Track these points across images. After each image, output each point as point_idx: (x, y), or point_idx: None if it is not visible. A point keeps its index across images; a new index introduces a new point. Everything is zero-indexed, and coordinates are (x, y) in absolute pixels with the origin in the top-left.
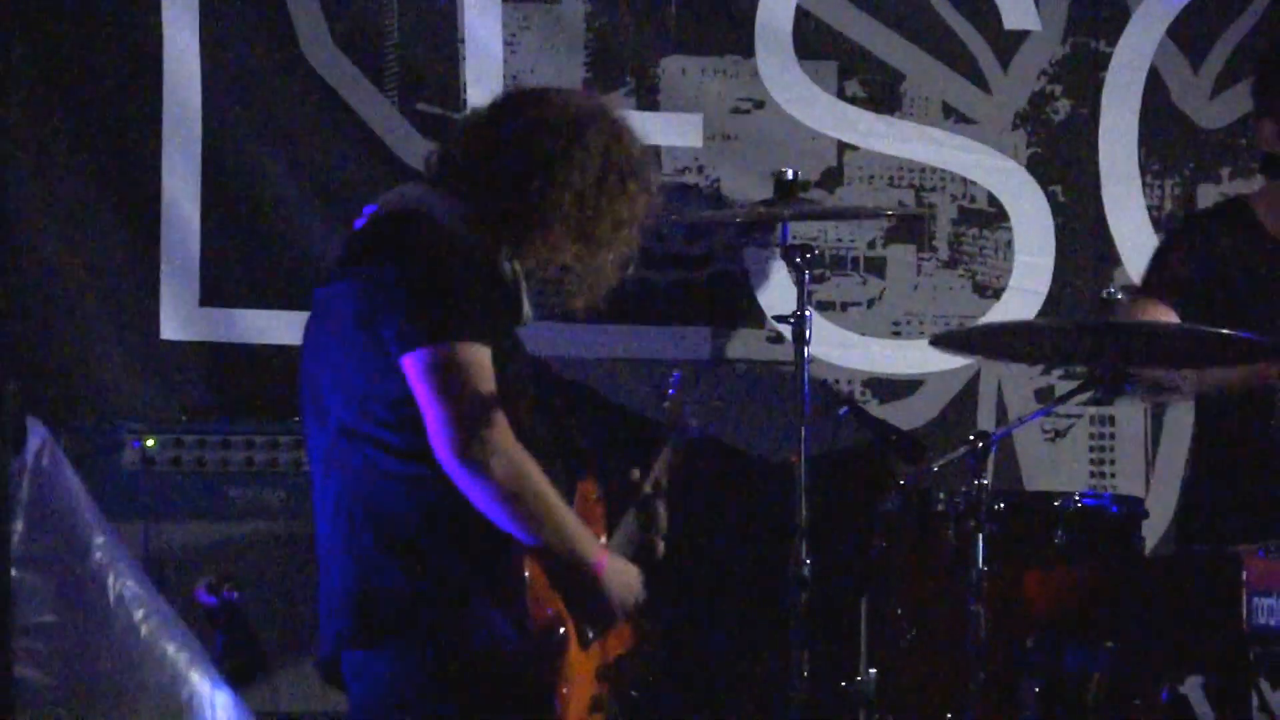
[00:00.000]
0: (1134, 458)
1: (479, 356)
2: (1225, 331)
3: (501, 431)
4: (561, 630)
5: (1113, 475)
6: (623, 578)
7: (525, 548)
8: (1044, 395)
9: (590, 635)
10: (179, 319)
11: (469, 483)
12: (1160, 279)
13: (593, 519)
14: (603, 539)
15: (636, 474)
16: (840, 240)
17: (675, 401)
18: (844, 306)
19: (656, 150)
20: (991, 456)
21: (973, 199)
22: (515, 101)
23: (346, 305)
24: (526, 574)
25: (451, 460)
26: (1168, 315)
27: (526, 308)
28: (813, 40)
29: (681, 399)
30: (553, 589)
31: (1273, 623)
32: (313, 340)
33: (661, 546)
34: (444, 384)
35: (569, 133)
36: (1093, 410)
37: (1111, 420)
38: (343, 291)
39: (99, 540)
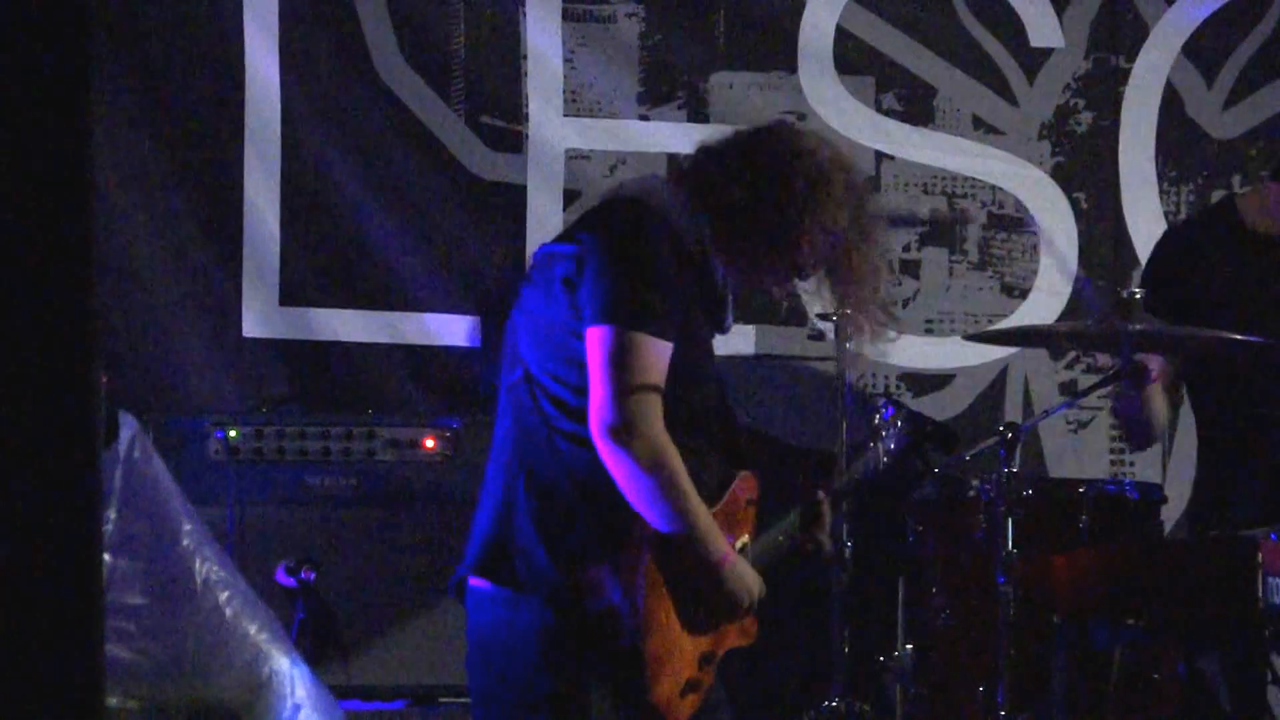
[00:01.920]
0: (1152, 447)
1: (655, 350)
2: (1235, 336)
3: (651, 420)
4: (670, 611)
5: (1131, 463)
6: (742, 578)
7: (652, 531)
8: (1068, 388)
9: (699, 622)
10: (259, 318)
11: (610, 458)
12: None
13: (740, 519)
14: (744, 539)
15: (821, 495)
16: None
17: (876, 430)
18: None
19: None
20: (1019, 446)
21: (1001, 205)
22: (777, 134)
23: (559, 266)
24: (646, 556)
25: (599, 434)
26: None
27: (729, 320)
28: (851, 57)
29: (886, 428)
30: (668, 575)
31: None
32: (524, 291)
33: (826, 542)
34: (613, 365)
35: (820, 179)
36: (1113, 402)
37: None
38: (560, 252)
39: (186, 526)
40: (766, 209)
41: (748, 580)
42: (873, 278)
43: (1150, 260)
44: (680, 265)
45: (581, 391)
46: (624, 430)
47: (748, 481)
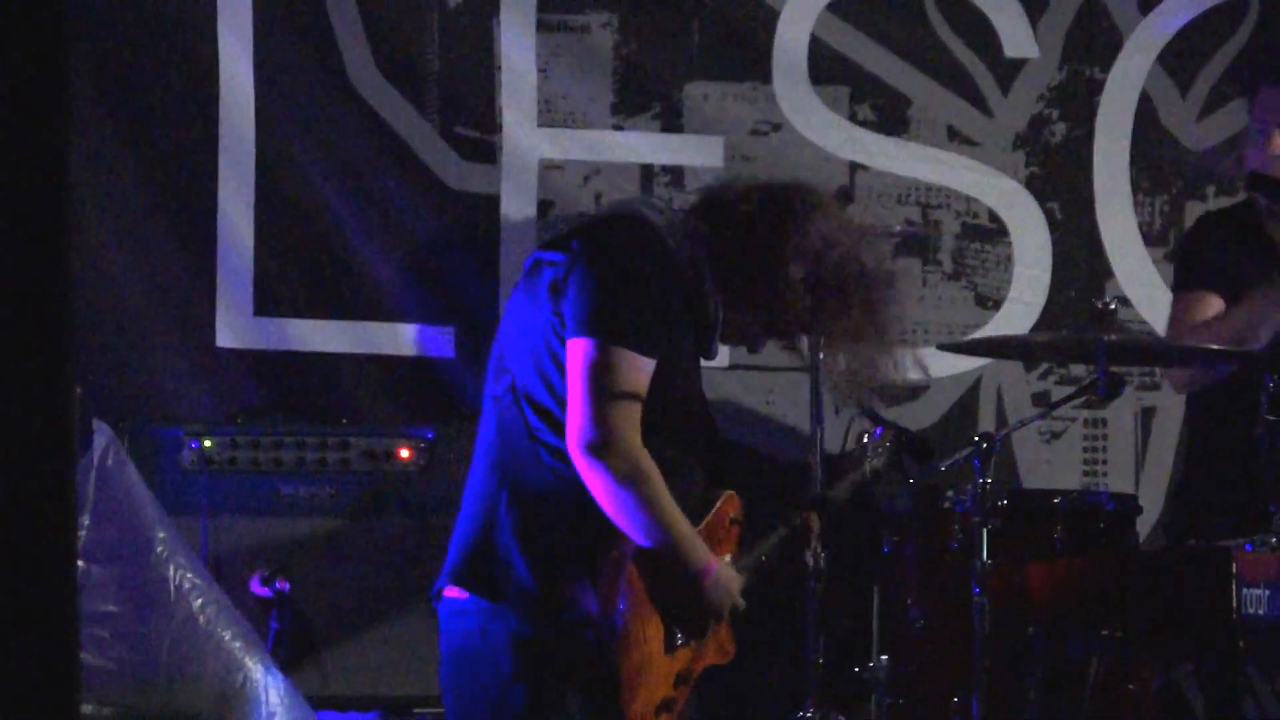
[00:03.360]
0: (1124, 458)
1: (636, 365)
2: (1213, 348)
3: (628, 436)
4: (648, 628)
5: (1105, 474)
6: (725, 589)
7: (632, 546)
8: (1040, 400)
9: (679, 639)
10: (234, 328)
11: (587, 473)
12: (1202, 272)
13: (723, 538)
14: (726, 558)
15: (811, 518)
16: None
17: (864, 450)
18: None
19: (677, 171)
20: (993, 457)
21: (975, 215)
22: (798, 202)
23: (547, 272)
24: (625, 570)
25: (575, 448)
26: (1213, 305)
27: (716, 347)
28: (826, 67)
29: (873, 449)
30: (649, 590)
31: (1261, 612)
32: (514, 299)
33: (812, 563)
34: (592, 378)
35: (826, 241)
36: (1086, 414)
37: (1104, 423)
38: (547, 259)
39: (160, 534)
40: (762, 266)
41: (731, 589)
42: (867, 351)
43: (1192, 240)
44: (671, 286)
45: (565, 401)
46: (600, 445)
47: (732, 501)
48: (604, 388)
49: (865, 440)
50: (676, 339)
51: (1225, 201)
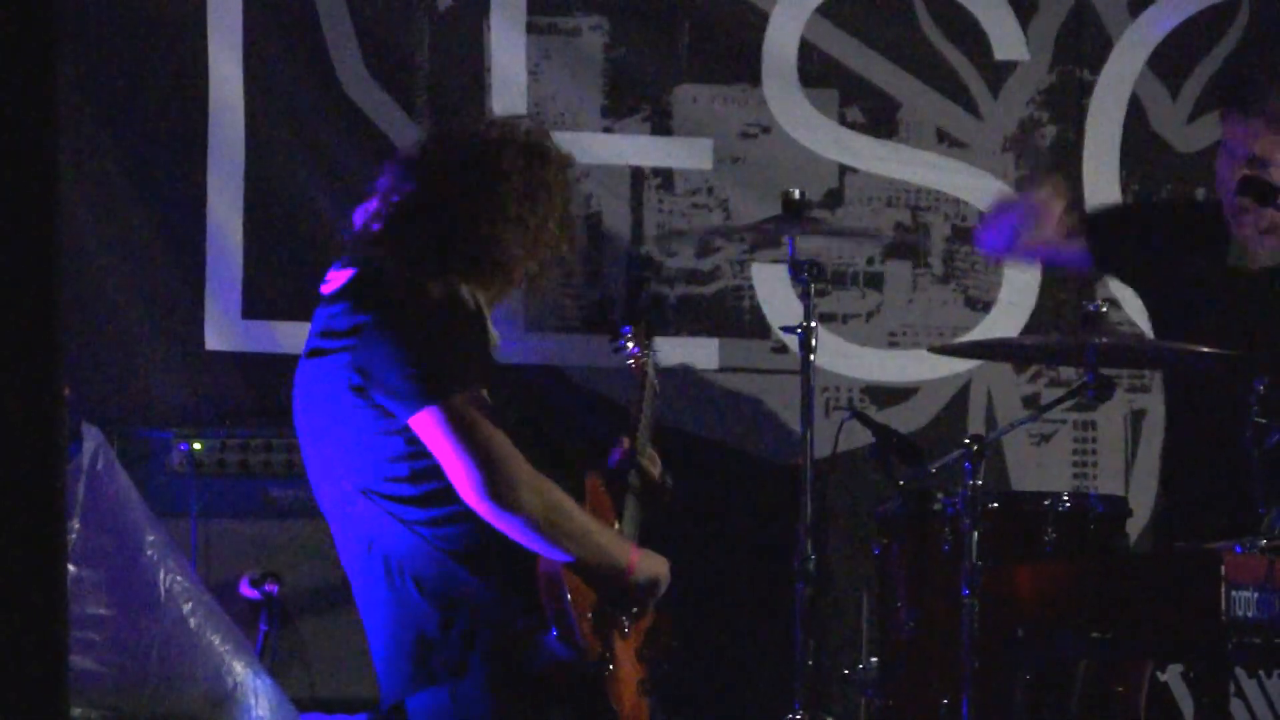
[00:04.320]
0: (1114, 460)
1: (480, 401)
2: (1202, 349)
3: (522, 466)
4: (604, 626)
5: (1094, 477)
6: (651, 567)
7: (559, 566)
8: (1030, 402)
9: (627, 625)
10: (222, 331)
11: (504, 522)
12: (1101, 212)
13: (605, 509)
14: (617, 525)
15: (626, 442)
16: (841, 257)
17: (637, 357)
18: (844, 319)
19: (667, 173)
20: (984, 459)
21: (965, 218)
22: (431, 144)
23: (339, 376)
24: (564, 588)
25: (484, 504)
26: (1060, 204)
27: (494, 333)
28: (815, 70)
29: (642, 353)
30: (588, 590)
31: (1249, 614)
32: (306, 408)
33: (670, 482)
34: (458, 436)
35: (487, 161)
36: (1075, 416)
37: (1093, 425)
38: (331, 365)
39: (150, 538)
40: (462, 224)
41: (656, 564)
42: (560, 237)
43: (1135, 202)
44: (441, 311)
45: (418, 479)
46: (505, 492)
47: (595, 479)
48: (472, 440)
49: (631, 363)
50: (480, 353)
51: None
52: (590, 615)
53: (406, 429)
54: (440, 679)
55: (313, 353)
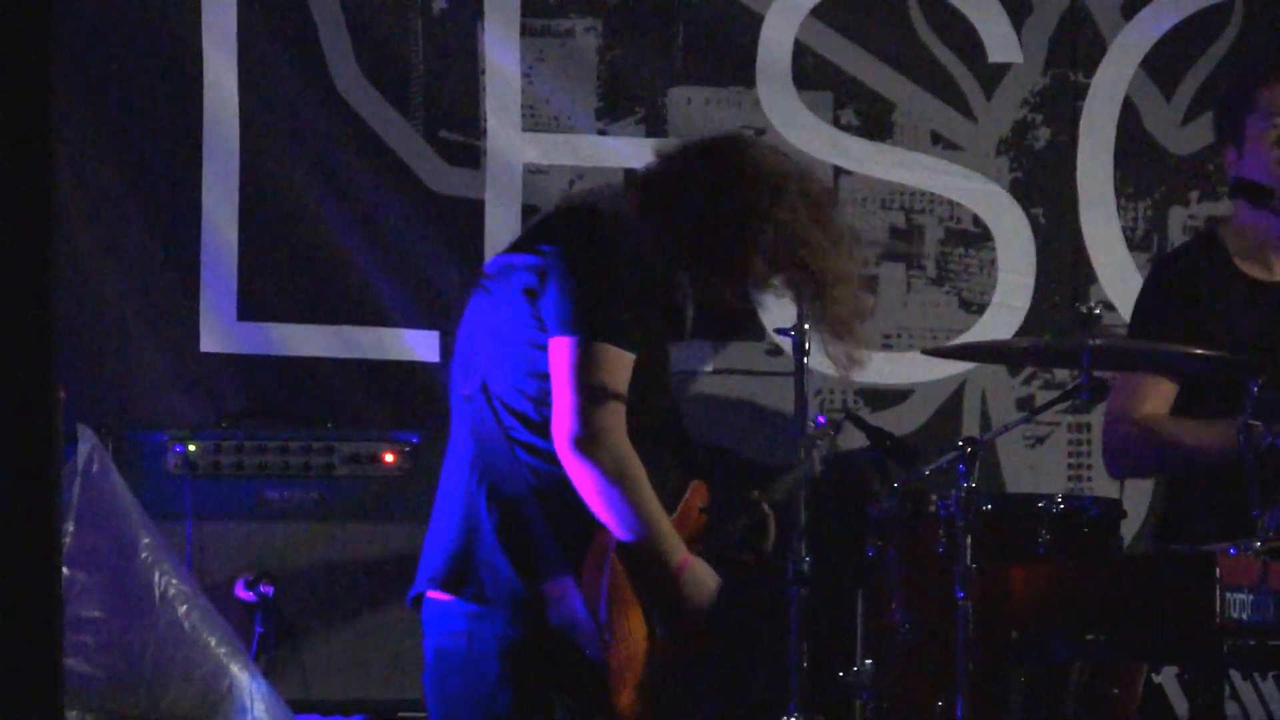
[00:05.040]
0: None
1: (620, 360)
2: (1197, 351)
3: (616, 432)
4: (632, 621)
5: (1089, 479)
6: (700, 582)
7: (614, 541)
8: (1025, 404)
9: (660, 631)
10: (217, 332)
11: (575, 469)
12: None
13: (692, 525)
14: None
15: (757, 495)
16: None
17: (812, 437)
18: None
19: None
20: (978, 461)
21: (959, 220)
22: (727, 145)
23: (519, 277)
24: (609, 565)
25: (564, 445)
26: (1165, 391)
27: (689, 327)
28: (810, 73)
29: (819, 439)
30: (631, 583)
31: (1244, 616)
32: (476, 302)
33: (763, 558)
34: (579, 376)
35: (770, 186)
36: (1070, 418)
37: (1088, 428)
38: (518, 263)
39: (145, 540)
40: (717, 216)
41: (707, 581)
42: (844, 294)
43: (1144, 297)
44: (642, 275)
45: (542, 403)
46: (589, 441)
47: (700, 490)
48: (590, 385)
49: (809, 429)
50: (652, 329)
51: (1209, 207)
52: (624, 603)
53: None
54: (465, 595)
55: (512, 247)
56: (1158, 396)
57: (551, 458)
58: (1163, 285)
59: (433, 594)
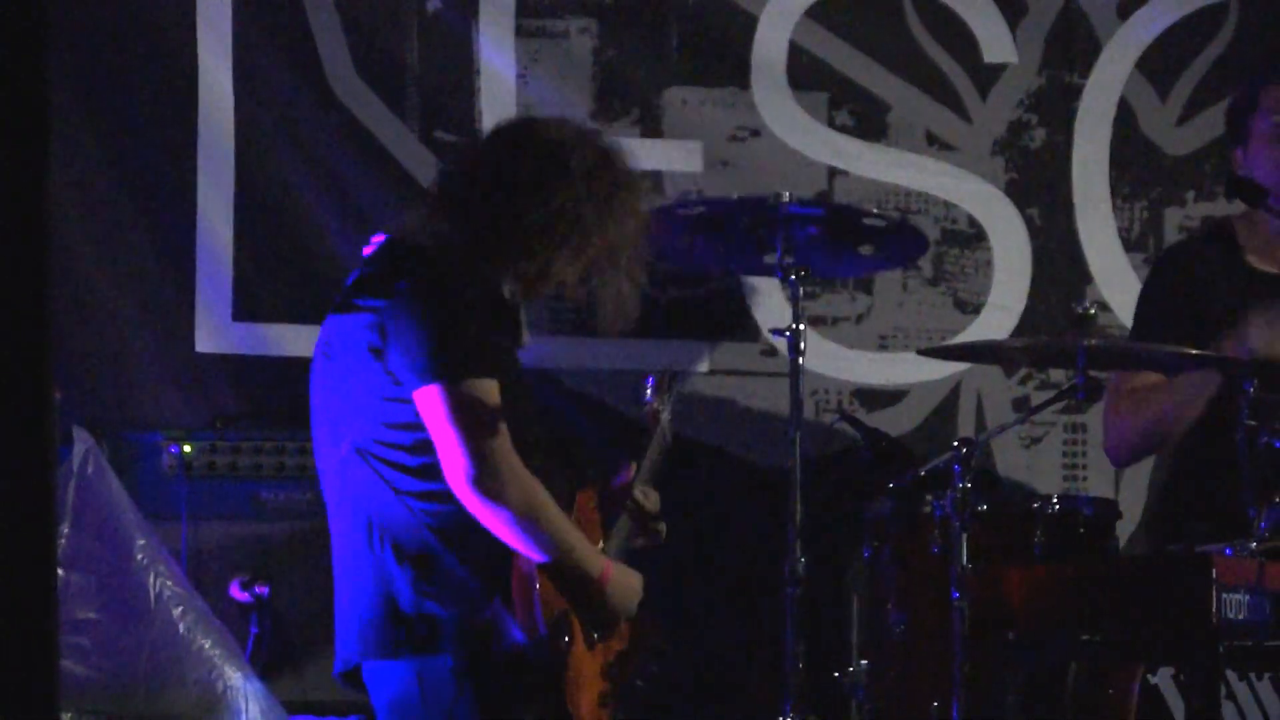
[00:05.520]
0: (1104, 463)
1: (489, 391)
2: (1195, 352)
3: (513, 463)
4: (568, 634)
5: (1084, 479)
6: (625, 584)
7: (534, 565)
8: (1020, 405)
9: (595, 637)
10: (213, 333)
11: (484, 512)
12: (1152, 329)
13: (591, 525)
14: (600, 544)
15: (633, 469)
16: None
17: (652, 406)
18: (834, 321)
19: (657, 176)
20: (974, 462)
21: (954, 221)
22: (505, 132)
23: (360, 335)
24: (536, 586)
25: (464, 490)
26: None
27: (525, 332)
28: (804, 73)
29: (659, 402)
30: (559, 594)
31: (1240, 617)
32: (323, 366)
33: (663, 529)
34: (457, 420)
35: (556, 159)
36: (1065, 418)
37: (1084, 428)
38: (355, 323)
39: (140, 541)
40: (514, 211)
41: (630, 581)
42: (612, 256)
43: (1149, 289)
44: (473, 296)
45: (418, 450)
46: (489, 479)
47: (589, 495)
48: (471, 425)
49: (649, 398)
50: (502, 345)
51: (1205, 207)
52: (556, 616)
53: (413, 400)
54: (406, 654)
55: (341, 307)
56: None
57: (444, 497)
58: (1169, 274)
59: (369, 664)
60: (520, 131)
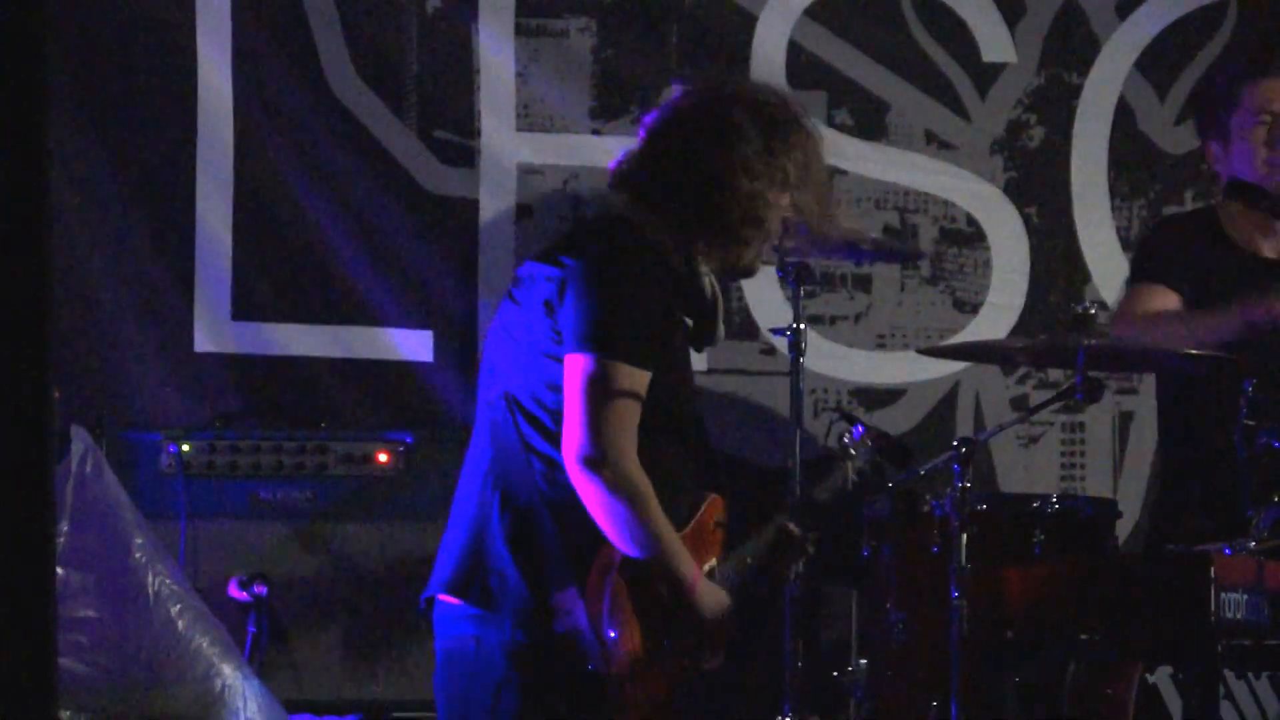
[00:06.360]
0: (1103, 462)
1: (634, 379)
2: (1194, 352)
3: (625, 450)
4: (635, 636)
5: (1082, 479)
6: (711, 601)
7: (620, 557)
8: (1019, 404)
9: (666, 645)
10: (212, 332)
11: (583, 486)
12: (1156, 266)
13: (708, 542)
14: (712, 562)
15: (793, 527)
16: (830, 259)
17: (844, 451)
18: (833, 320)
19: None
20: (972, 461)
21: (953, 220)
22: (682, 98)
23: (540, 288)
24: (611, 581)
25: (572, 462)
26: (1169, 300)
27: (721, 329)
28: (803, 72)
29: (853, 450)
30: (632, 600)
31: (1238, 616)
32: (505, 309)
33: (780, 585)
34: (590, 394)
35: (720, 125)
36: (1064, 418)
37: (1082, 427)
38: (540, 274)
39: (138, 540)
40: (697, 185)
41: (716, 603)
42: (802, 183)
43: (1149, 237)
44: (660, 283)
45: (557, 416)
46: (598, 459)
47: (715, 504)
48: (601, 403)
49: (845, 440)
50: (673, 342)
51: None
52: (627, 617)
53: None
54: (471, 597)
55: (541, 256)
56: (1162, 301)
57: (563, 466)
58: (1159, 241)
59: (443, 597)
60: (689, 94)
